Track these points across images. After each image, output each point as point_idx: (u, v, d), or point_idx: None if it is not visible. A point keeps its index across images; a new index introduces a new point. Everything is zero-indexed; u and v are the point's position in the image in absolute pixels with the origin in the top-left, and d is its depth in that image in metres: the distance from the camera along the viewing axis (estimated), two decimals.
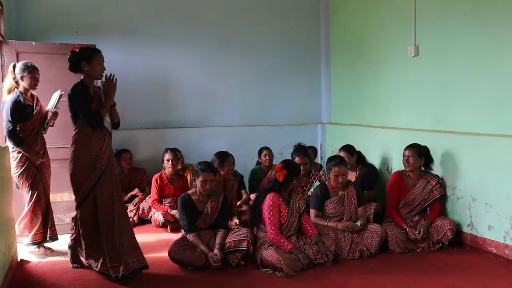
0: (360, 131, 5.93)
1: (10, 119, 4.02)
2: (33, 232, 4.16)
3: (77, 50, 3.67)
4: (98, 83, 3.97)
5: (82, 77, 3.66)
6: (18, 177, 4.14)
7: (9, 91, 4.15)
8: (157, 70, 6.03)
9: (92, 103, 3.61)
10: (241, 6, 6.41)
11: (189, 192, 4.07)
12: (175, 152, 5.41)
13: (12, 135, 4.04)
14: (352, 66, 6.29)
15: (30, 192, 4.14)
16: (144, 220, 5.30)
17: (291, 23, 6.68)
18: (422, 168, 4.48)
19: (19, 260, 4.05)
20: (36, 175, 4.18)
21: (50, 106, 4.33)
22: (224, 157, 4.70)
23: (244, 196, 5.27)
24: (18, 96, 4.10)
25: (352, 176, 5.13)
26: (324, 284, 3.47)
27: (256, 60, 6.52)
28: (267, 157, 5.48)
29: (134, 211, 5.26)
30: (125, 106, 5.86)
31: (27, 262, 4.03)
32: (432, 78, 4.83)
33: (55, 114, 4.31)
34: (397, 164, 5.07)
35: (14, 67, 4.16)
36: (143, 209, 5.31)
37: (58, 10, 5.53)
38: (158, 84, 6.05)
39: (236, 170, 5.43)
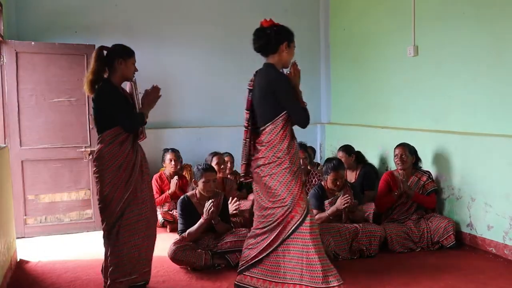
0: (359, 131, 5.93)
1: (119, 109, 3.08)
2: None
3: (280, 26, 3.02)
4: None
5: (271, 61, 3.02)
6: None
7: (94, 83, 3.12)
8: (156, 70, 6.01)
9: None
10: (240, 6, 6.40)
11: (188, 194, 4.05)
12: (176, 152, 5.42)
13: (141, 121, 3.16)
14: (352, 66, 6.29)
15: None
16: None
17: (291, 23, 6.51)
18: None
19: (18, 260, 4.04)
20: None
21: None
22: (213, 155, 4.90)
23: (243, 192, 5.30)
24: (112, 84, 3.15)
25: (351, 176, 5.14)
26: None
27: (256, 60, 6.44)
28: None
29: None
30: None
31: (27, 262, 4.03)
32: (431, 78, 4.83)
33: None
34: None
35: (103, 49, 3.16)
36: None
37: (57, 10, 5.53)
38: (157, 84, 6.00)
39: (236, 170, 5.43)
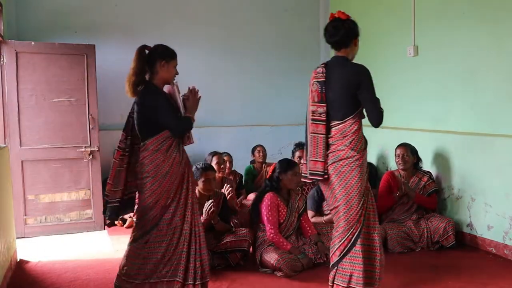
0: None
1: (167, 113, 2.90)
2: None
3: (353, 20, 2.95)
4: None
5: (342, 55, 3.00)
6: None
7: (137, 85, 2.97)
8: None
9: None
10: (241, 6, 6.41)
11: None
12: None
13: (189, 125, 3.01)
14: None
15: None
16: None
17: (291, 23, 6.67)
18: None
19: (18, 260, 4.04)
20: None
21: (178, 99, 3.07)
22: (213, 154, 4.89)
23: (242, 196, 5.28)
24: (156, 87, 2.99)
25: None
26: (323, 284, 3.45)
27: (256, 60, 6.52)
28: (261, 153, 5.63)
29: (134, 211, 5.25)
30: (125, 106, 5.84)
31: (27, 262, 4.03)
32: (431, 78, 4.83)
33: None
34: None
35: (145, 48, 3.05)
36: None
37: (57, 10, 5.53)
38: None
39: (235, 169, 5.44)
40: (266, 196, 3.85)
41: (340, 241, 2.89)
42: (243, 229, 4.01)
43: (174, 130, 2.94)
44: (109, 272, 3.73)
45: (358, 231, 2.85)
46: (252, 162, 5.77)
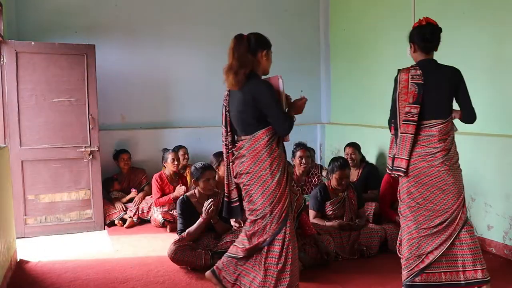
0: (359, 131, 5.93)
1: (278, 108, 2.75)
2: None
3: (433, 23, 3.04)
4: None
5: (432, 57, 3.11)
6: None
7: (247, 76, 2.78)
8: (157, 70, 6.03)
9: None
10: (241, 6, 6.41)
11: (187, 194, 4.05)
12: (176, 151, 5.44)
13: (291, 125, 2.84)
14: (352, 66, 6.29)
15: None
16: (143, 220, 5.30)
17: (291, 23, 6.68)
18: None
19: (18, 260, 4.05)
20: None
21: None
22: (220, 157, 4.77)
23: None
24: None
25: (354, 174, 5.13)
26: (323, 284, 3.47)
27: None
28: None
29: (134, 211, 5.27)
30: (125, 106, 5.88)
31: (27, 262, 4.03)
32: None
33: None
34: None
35: (242, 38, 2.85)
36: (142, 209, 5.30)
37: (57, 10, 5.53)
38: (158, 84, 6.05)
39: None
40: None
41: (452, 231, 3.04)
42: (243, 229, 4.00)
43: (280, 126, 2.76)
44: (109, 272, 3.74)
45: (465, 217, 3.07)
46: None
